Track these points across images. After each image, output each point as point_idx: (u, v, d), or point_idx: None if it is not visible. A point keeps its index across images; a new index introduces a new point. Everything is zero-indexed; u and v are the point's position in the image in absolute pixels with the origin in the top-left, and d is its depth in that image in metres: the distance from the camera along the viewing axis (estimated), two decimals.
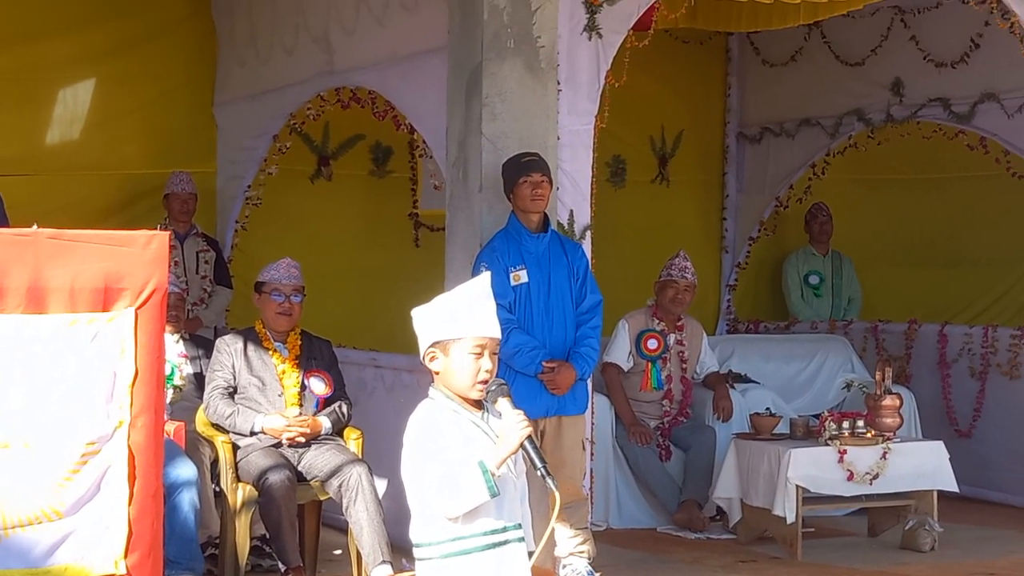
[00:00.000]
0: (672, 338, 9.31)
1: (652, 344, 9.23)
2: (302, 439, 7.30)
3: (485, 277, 4.43)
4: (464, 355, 4.28)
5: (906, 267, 11.57)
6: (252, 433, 7.29)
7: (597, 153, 7.98)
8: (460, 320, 4.29)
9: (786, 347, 10.63)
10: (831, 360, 10.37)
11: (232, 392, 7.41)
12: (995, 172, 10.60)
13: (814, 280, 11.81)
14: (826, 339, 10.79)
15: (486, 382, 4.30)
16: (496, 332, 4.33)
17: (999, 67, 10.06)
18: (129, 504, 3.93)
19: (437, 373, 4.36)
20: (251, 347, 7.47)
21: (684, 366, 9.34)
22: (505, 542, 4.29)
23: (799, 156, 11.82)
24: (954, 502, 8.91)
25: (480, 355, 4.29)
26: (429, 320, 4.36)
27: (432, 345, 4.32)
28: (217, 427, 7.41)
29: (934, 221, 11.43)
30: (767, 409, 8.98)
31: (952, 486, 8.53)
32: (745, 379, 9.83)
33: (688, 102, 12.21)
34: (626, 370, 9.22)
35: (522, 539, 4.33)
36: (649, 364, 9.23)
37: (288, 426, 7.26)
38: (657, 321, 9.28)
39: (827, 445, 8.31)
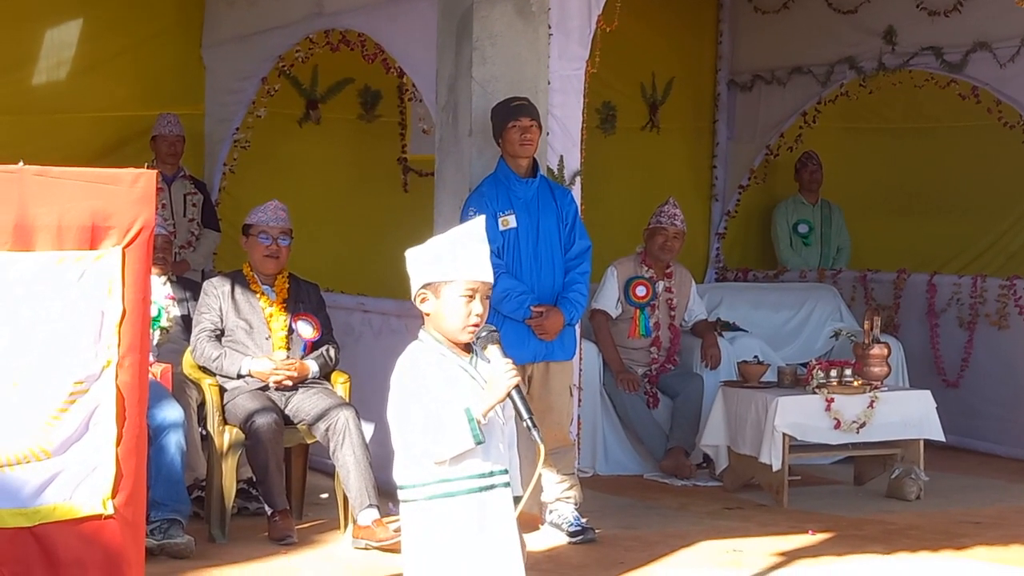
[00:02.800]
0: (661, 285, 9.29)
1: (641, 291, 9.22)
2: (289, 383, 7.28)
3: (479, 220, 4.40)
4: (455, 298, 4.26)
5: (896, 216, 11.55)
6: (239, 376, 7.28)
7: (587, 99, 7.93)
8: (453, 262, 4.27)
9: (775, 295, 10.62)
10: (820, 309, 10.38)
11: (219, 335, 7.39)
12: (986, 122, 10.56)
13: (803, 229, 11.79)
14: (815, 288, 10.79)
15: (477, 326, 4.28)
16: (488, 276, 4.31)
17: (992, 16, 10.02)
18: (118, 444, 3.91)
19: (427, 315, 4.34)
20: (239, 290, 7.45)
21: (672, 313, 9.33)
22: (491, 486, 4.28)
23: (790, 104, 11.79)
24: (940, 451, 8.95)
25: (471, 298, 4.27)
26: (422, 261, 4.33)
27: (424, 286, 4.31)
28: (204, 370, 7.40)
29: (925, 170, 11.40)
30: (755, 357, 8.98)
31: (939, 435, 8.54)
32: (733, 327, 9.83)
33: (679, 49, 12.15)
34: (614, 317, 9.20)
35: (508, 484, 4.32)
36: (637, 311, 9.22)
37: (275, 369, 7.25)
38: (646, 268, 9.26)
39: (814, 393, 8.31)
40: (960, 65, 10.43)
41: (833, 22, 11.34)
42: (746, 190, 12.17)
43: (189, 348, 7.46)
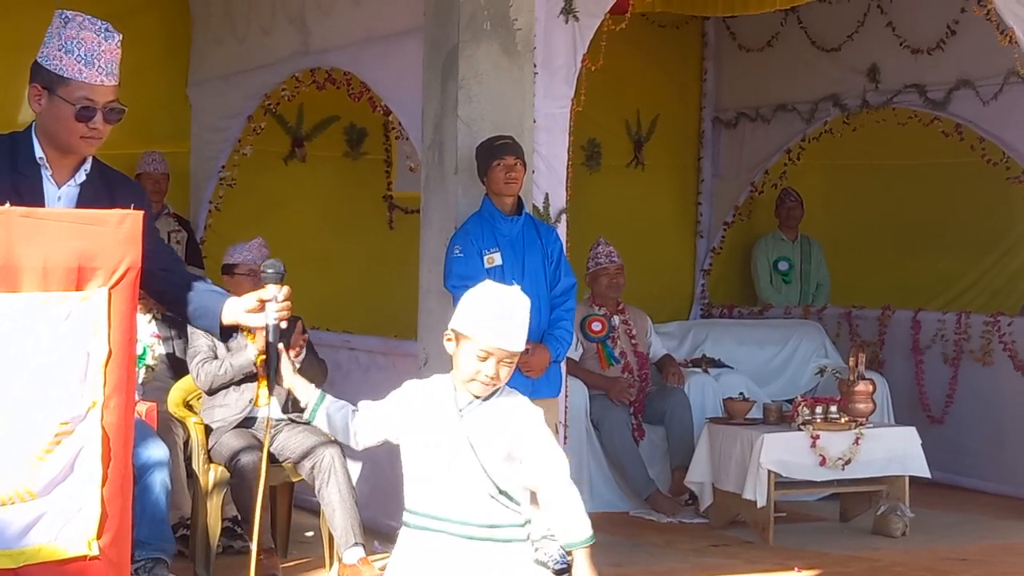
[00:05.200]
0: (616, 319, 9.41)
1: (596, 326, 9.30)
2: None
3: (524, 299, 4.33)
4: (469, 354, 4.25)
5: (880, 253, 11.59)
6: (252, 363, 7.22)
7: (572, 136, 7.97)
8: (480, 320, 4.24)
9: (760, 332, 10.64)
10: (804, 345, 10.40)
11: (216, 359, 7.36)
12: (970, 159, 10.62)
13: (783, 266, 11.83)
14: (800, 324, 10.81)
15: (486, 385, 4.25)
16: (512, 346, 4.23)
17: (975, 54, 10.08)
18: (103, 485, 3.90)
19: (450, 354, 4.35)
20: None
21: (634, 342, 9.42)
22: (429, 529, 4.27)
23: (774, 141, 11.84)
24: (926, 488, 8.93)
25: (484, 360, 4.23)
26: (462, 305, 4.33)
27: (452, 328, 4.32)
28: (189, 408, 7.38)
29: (909, 207, 11.45)
30: (740, 394, 8.99)
31: (924, 472, 8.55)
32: (719, 364, 9.86)
33: (664, 86, 12.21)
34: (578, 360, 9.21)
35: (473, 539, 4.25)
36: (599, 345, 9.28)
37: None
38: (598, 308, 9.34)
39: (800, 430, 8.32)
40: (943, 103, 10.50)
41: (817, 60, 11.41)
42: (731, 227, 12.22)
43: (190, 376, 7.39)
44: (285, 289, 4.54)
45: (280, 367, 4.50)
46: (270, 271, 4.53)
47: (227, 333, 4.76)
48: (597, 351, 9.30)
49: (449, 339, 4.33)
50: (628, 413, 9.20)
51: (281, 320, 4.54)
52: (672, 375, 9.37)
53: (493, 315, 4.23)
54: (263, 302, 4.51)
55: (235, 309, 4.62)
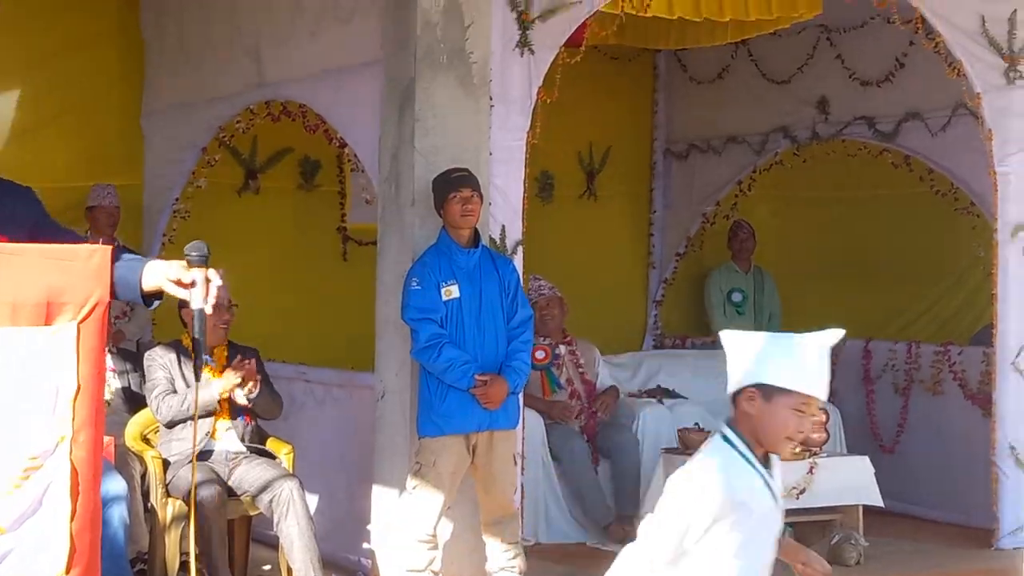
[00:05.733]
0: (562, 348, 9.44)
1: (539, 354, 9.25)
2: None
3: (835, 334, 3.96)
4: (786, 409, 3.87)
5: (831, 283, 11.64)
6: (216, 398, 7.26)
7: (527, 168, 8.00)
8: (802, 372, 3.90)
9: (714, 362, 10.53)
10: None
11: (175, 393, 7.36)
12: (919, 190, 10.72)
13: (737, 298, 11.86)
14: None
15: (798, 443, 3.95)
16: (826, 395, 3.93)
17: (923, 86, 10.18)
18: (71, 520, 3.90)
19: (746, 414, 3.94)
20: (182, 359, 7.43)
21: (581, 370, 9.46)
22: None
23: (726, 173, 11.91)
24: (879, 517, 8.99)
25: (802, 414, 3.88)
26: (765, 357, 3.96)
27: (756, 386, 3.92)
28: (146, 442, 7.36)
29: (859, 238, 11.53)
30: (696, 424, 9.02)
31: (877, 501, 8.62)
32: (673, 394, 9.88)
33: (616, 118, 12.27)
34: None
35: None
36: (543, 373, 9.30)
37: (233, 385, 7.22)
38: (542, 339, 9.31)
39: None
40: (892, 134, 10.60)
41: (767, 92, 11.49)
42: (683, 257, 12.27)
43: (151, 410, 7.38)
44: (214, 271, 4.39)
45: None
46: (194, 254, 4.40)
47: (150, 300, 4.53)
48: (541, 379, 9.33)
49: (751, 398, 3.91)
50: (585, 441, 9.23)
51: (215, 303, 4.39)
52: (602, 403, 9.40)
53: (814, 363, 3.89)
54: (185, 285, 4.35)
55: (157, 275, 4.40)
